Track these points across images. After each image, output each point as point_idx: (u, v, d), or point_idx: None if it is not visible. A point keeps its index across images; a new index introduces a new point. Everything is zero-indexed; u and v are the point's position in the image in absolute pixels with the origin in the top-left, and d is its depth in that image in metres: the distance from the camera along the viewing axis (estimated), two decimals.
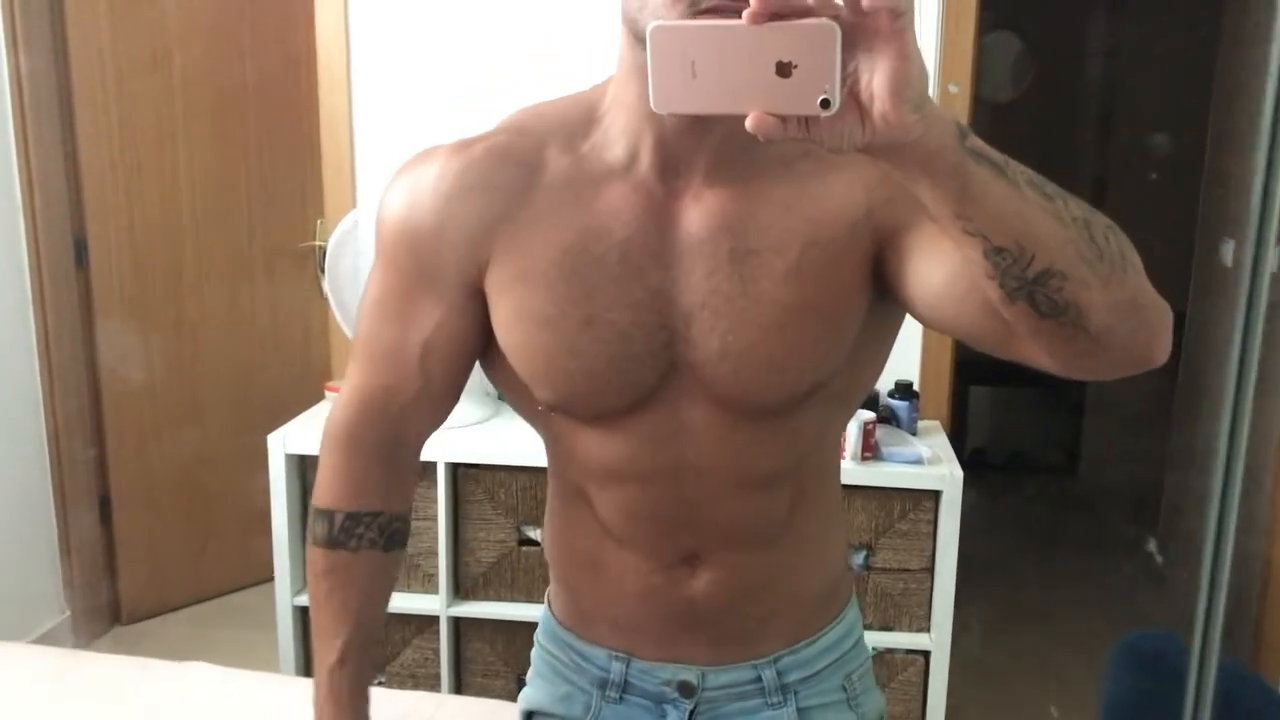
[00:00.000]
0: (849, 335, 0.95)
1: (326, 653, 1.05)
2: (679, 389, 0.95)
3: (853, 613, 1.15)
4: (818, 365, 0.94)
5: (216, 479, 3.09)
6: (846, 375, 0.98)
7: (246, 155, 3.05)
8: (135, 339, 2.97)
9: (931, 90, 2.30)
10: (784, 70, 0.68)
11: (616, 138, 0.93)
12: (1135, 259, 0.77)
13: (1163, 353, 0.80)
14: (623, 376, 0.94)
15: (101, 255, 2.87)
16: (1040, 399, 4.62)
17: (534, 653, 1.18)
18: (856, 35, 0.65)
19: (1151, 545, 3.55)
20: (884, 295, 0.94)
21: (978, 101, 2.56)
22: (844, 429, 1.10)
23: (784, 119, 0.68)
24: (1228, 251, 2.94)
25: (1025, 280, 0.74)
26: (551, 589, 1.17)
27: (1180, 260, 3.45)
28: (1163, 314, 0.79)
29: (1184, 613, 3.08)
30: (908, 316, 0.99)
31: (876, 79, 0.65)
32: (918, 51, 0.66)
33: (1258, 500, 2.57)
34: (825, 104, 0.68)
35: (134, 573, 3.05)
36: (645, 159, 0.92)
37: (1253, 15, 2.86)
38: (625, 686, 1.09)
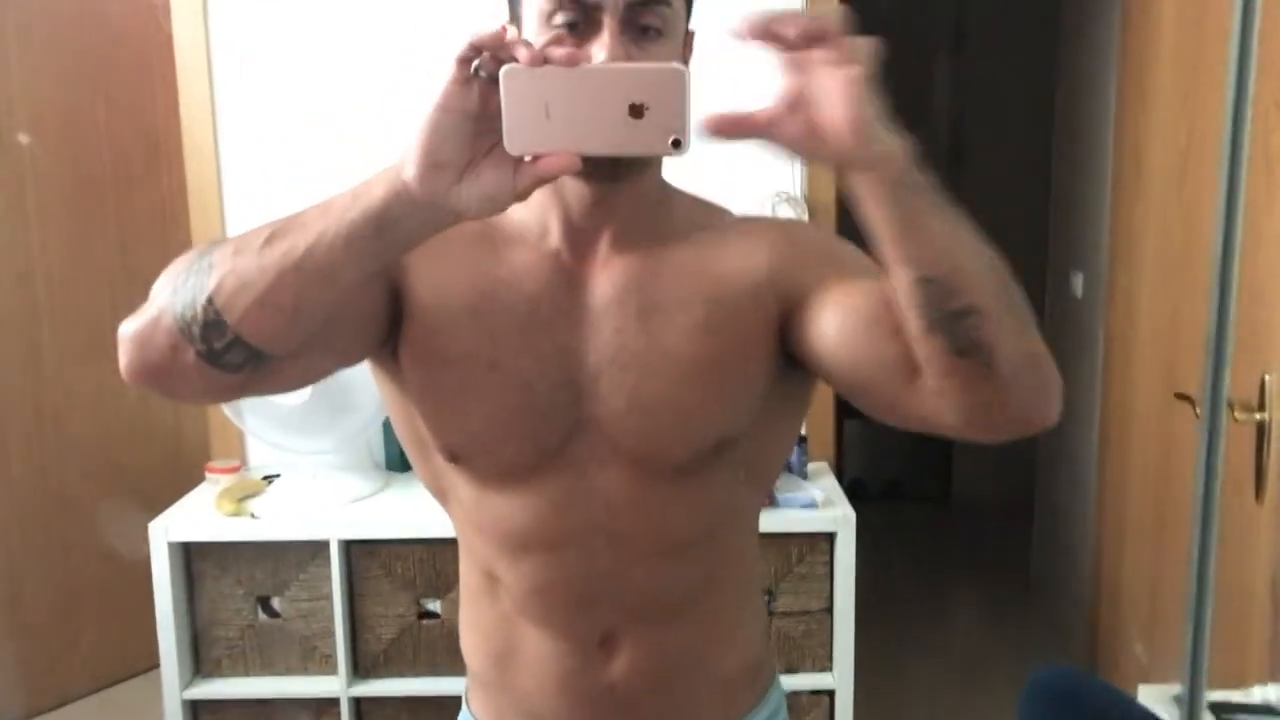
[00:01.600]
0: (754, 392, 0.97)
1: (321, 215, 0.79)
2: (587, 449, 0.96)
3: (776, 694, 1.16)
4: (723, 419, 0.97)
5: (87, 570, 2.95)
6: (753, 444, 1.00)
7: (106, 234, 2.94)
8: None
9: None
10: (636, 112, 0.71)
11: (525, 212, 0.96)
12: (1032, 320, 0.82)
13: (1055, 413, 0.84)
14: (526, 427, 0.95)
15: None
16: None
17: None
18: (812, 77, 0.70)
19: (1027, 571, 3.70)
20: (790, 364, 0.97)
21: None
22: (756, 511, 1.11)
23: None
24: (1077, 282, 3.11)
25: (947, 313, 0.78)
26: (467, 684, 1.15)
27: (1033, 291, 3.63)
28: (1056, 376, 0.83)
29: (1054, 633, 3.21)
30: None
31: (835, 115, 0.69)
32: (872, 97, 0.70)
33: (1084, 491, 2.71)
34: (676, 144, 0.72)
35: None
36: (554, 232, 0.96)
37: (1086, 55, 3.05)
38: None
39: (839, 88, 0.69)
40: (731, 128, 0.71)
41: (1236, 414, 1.87)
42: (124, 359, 0.83)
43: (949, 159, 4.59)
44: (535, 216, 0.96)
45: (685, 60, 0.96)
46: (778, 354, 0.97)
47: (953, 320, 0.78)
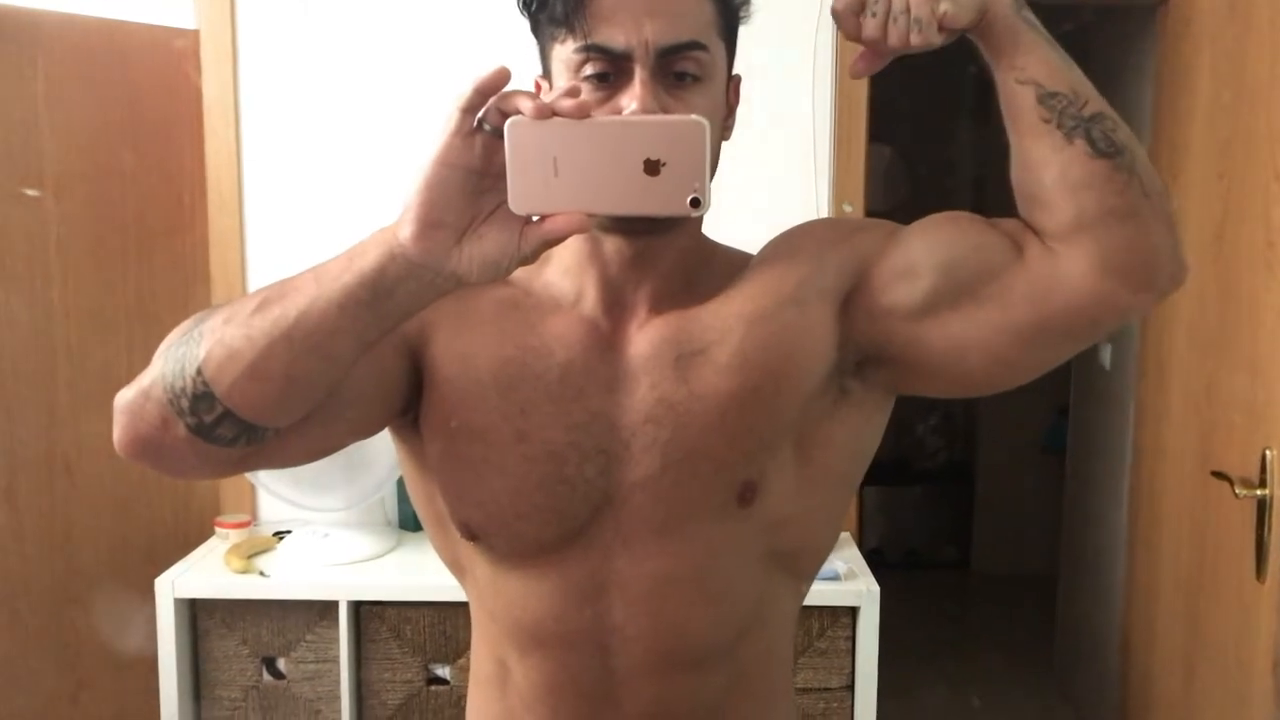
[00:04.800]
0: (786, 420, 0.91)
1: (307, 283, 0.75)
2: (612, 527, 0.91)
3: None
4: (751, 455, 0.91)
5: (90, 624, 2.89)
6: (797, 528, 0.94)
7: (126, 280, 2.92)
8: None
9: (826, 210, 2.36)
10: (652, 168, 0.65)
11: (560, 276, 0.93)
12: None
13: (1185, 266, 0.87)
14: (551, 501, 0.89)
15: None
16: (930, 496, 4.70)
17: None
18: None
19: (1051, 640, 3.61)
20: (846, 400, 0.92)
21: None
22: (793, 607, 1.03)
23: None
24: (1105, 354, 3.06)
25: (1081, 119, 0.83)
26: None
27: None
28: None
29: (1080, 713, 3.12)
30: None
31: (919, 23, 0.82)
32: None
33: (1111, 567, 2.63)
34: (695, 203, 0.66)
35: None
36: (590, 296, 0.92)
37: None
38: None
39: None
40: (871, 64, 0.86)
41: (1237, 490, 1.83)
42: (116, 431, 0.81)
43: None
44: (571, 280, 0.92)
45: (731, 108, 0.93)
46: (832, 373, 0.92)
47: (1089, 124, 0.83)
